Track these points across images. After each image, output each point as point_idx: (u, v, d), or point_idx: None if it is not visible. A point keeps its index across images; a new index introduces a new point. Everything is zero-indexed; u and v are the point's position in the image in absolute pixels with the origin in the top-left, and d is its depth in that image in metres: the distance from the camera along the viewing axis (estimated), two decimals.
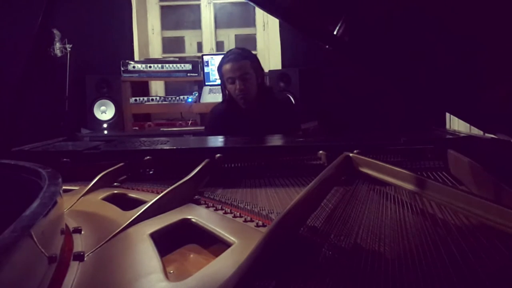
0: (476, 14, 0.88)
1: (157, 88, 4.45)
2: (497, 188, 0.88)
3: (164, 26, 4.52)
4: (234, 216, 0.86)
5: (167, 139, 1.71)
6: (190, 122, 3.89)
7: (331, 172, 0.97)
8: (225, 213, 0.88)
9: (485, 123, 1.26)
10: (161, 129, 3.76)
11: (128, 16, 4.13)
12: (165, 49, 4.54)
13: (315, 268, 0.62)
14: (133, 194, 1.06)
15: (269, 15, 3.85)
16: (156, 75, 3.94)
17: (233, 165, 1.28)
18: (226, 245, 0.73)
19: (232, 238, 0.74)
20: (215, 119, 2.31)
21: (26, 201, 0.60)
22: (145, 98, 3.87)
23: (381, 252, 0.66)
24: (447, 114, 2.90)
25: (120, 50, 4.05)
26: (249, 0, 1.18)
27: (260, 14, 4.38)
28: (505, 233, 0.67)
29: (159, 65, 3.89)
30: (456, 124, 2.63)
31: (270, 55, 4.33)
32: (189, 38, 4.58)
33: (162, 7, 4.50)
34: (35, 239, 0.51)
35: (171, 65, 3.91)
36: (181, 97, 3.88)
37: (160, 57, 4.41)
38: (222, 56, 2.29)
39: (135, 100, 3.84)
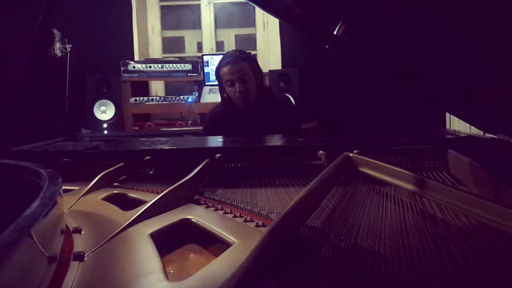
0: (476, 14, 0.88)
1: (157, 88, 4.45)
2: (497, 188, 0.88)
3: (164, 26, 4.53)
4: (234, 216, 0.86)
5: (167, 139, 1.71)
6: (190, 122, 3.89)
7: (331, 172, 0.97)
8: (225, 213, 0.88)
9: (485, 123, 1.26)
10: (161, 129, 3.76)
11: (128, 16, 4.13)
12: (165, 49, 4.54)
13: (315, 268, 0.62)
14: (133, 194, 1.06)
15: (269, 15, 3.85)
16: (156, 75, 3.94)
17: (233, 165, 1.28)
18: (226, 245, 0.73)
19: (232, 238, 0.74)
20: (213, 121, 2.30)
21: (26, 201, 0.60)
22: (145, 98, 3.87)
23: (381, 252, 0.66)
24: (447, 114, 2.90)
25: (120, 50, 4.05)
26: (249, 0, 1.18)
27: (260, 14, 4.38)
28: (505, 233, 0.67)
29: (159, 65, 3.89)
30: (456, 124, 2.63)
31: (270, 55, 4.33)
32: (189, 38, 4.58)
33: (162, 7, 4.50)
34: (35, 239, 0.51)
35: (171, 65, 3.91)
36: (181, 97, 3.88)
37: (160, 57, 4.41)
38: (222, 56, 2.28)
39: (135, 100, 3.84)
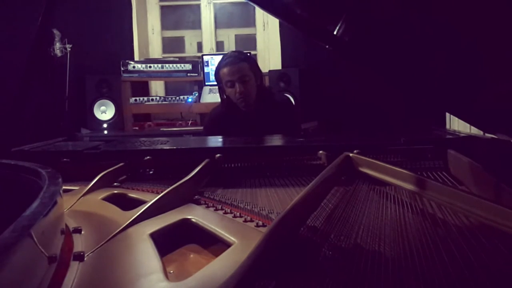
0: (477, 14, 0.88)
1: (157, 88, 4.45)
2: (497, 188, 0.88)
3: (164, 26, 4.53)
4: (234, 216, 0.86)
5: (167, 139, 1.71)
6: (190, 122, 3.90)
7: (331, 172, 0.97)
8: (225, 213, 0.88)
9: (485, 123, 1.26)
10: (161, 129, 3.76)
11: (128, 16, 4.13)
12: (165, 49, 4.54)
13: (315, 268, 0.62)
14: (133, 194, 1.06)
15: (269, 15, 3.85)
16: (156, 75, 3.94)
17: (233, 165, 1.28)
18: (226, 245, 0.73)
19: (232, 238, 0.74)
20: (214, 122, 2.29)
21: (26, 201, 0.60)
22: (145, 98, 3.87)
23: (381, 252, 0.66)
24: (447, 114, 2.90)
25: (120, 50, 4.05)
26: (249, 0, 1.18)
27: (260, 14, 4.38)
28: (505, 233, 0.67)
29: (159, 65, 3.89)
30: (456, 124, 2.63)
31: (270, 55, 4.33)
32: (189, 38, 4.58)
33: (162, 7, 4.50)
34: (35, 239, 0.51)
35: (171, 65, 3.91)
36: (181, 97, 3.88)
37: (160, 57, 4.41)
38: (222, 56, 2.28)
39: (135, 100, 3.84)
